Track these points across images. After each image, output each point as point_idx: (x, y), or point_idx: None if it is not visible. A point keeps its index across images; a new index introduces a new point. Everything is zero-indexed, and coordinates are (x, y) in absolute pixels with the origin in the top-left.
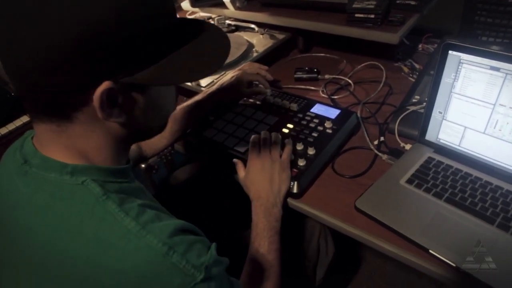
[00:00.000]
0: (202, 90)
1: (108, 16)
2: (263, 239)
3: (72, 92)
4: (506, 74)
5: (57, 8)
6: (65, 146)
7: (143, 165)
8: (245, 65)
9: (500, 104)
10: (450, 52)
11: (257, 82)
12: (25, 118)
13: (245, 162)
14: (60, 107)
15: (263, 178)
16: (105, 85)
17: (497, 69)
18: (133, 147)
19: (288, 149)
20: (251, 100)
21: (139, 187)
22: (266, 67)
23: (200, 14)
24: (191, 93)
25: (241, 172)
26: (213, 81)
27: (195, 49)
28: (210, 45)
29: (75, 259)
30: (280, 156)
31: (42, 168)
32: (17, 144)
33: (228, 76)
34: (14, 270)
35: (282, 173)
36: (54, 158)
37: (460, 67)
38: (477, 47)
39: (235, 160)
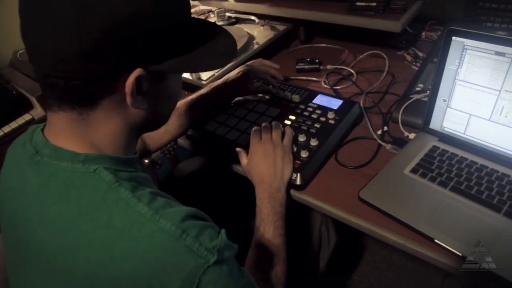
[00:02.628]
0: (203, 84)
1: (144, 6)
2: (268, 224)
3: (105, 79)
4: None
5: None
6: (76, 135)
7: (146, 160)
8: (254, 61)
9: (505, 90)
10: (453, 38)
11: (259, 83)
12: (27, 116)
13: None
14: (89, 94)
15: (265, 163)
16: (137, 72)
17: (502, 54)
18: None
19: (289, 134)
20: (259, 95)
21: (147, 176)
22: (277, 66)
23: (200, 7)
24: (192, 87)
25: (243, 159)
26: (213, 74)
27: (212, 43)
28: (223, 41)
29: (89, 245)
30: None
31: (54, 157)
32: (25, 137)
33: (234, 71)
34: (29, 260)
35: (284, 157)
36: (66, 148)
37: (464, 53)
38: (481, 32)
39: (237, 148)
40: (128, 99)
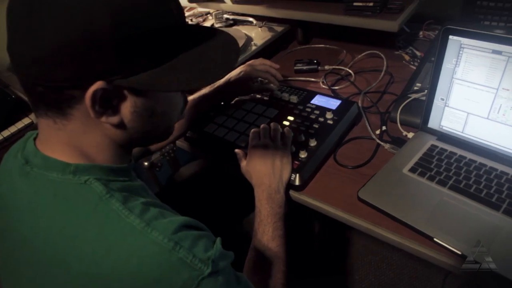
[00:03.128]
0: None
1: (102, 21)
2: (267, 225)
3: (64, 88)
4: (509, 57)
5: (54, 10)
6: (65, 144)
7: (146, 163)
8: (255, 61)
9: (503, 88)
10: (450, 37)
11: (260, 81)
12: (26, 120)
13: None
14: (55, 102)
15: (264, 165)
16: (97, 84)
17: (499, 52)
18: None
19: (287, 135)
20: (258, 96)
21: (141, 185)
22: (277, 66)
23: (198, 9)
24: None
25: (242, 161)
26: None
27: (196, 57)
28: (216, 51)
29: (80, 258)
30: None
31: (44, 168)
32: (19, 145)
33: (236, 70)
34: (19, 273)
35: (283, 158)
36: (56, 158)
37: (461, 52)
38: (478, 31)
39: (236, 150)
40: (90, 112)
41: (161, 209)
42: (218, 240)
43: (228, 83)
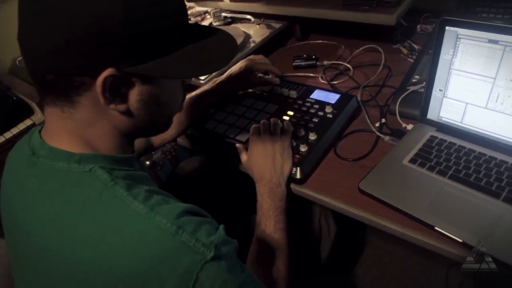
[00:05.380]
0: (200, 83)
1: (114, 12)
2: (269, 218)
3: (77, 75)
4: (505, 46)
5: (68, 2)
6: (70, 134)
7: (147, 162)
8: (255, 56)
9: (500, 78)
10: (447, 28)
11: (261, 75)
12: (28, 122)
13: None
14: (64, 89)
15: (265, 159)
16: (108, 71)
17: (495, 41)
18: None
19: (287, 130)
20: (250, 90)
21: (145, 175)
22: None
23: (197, 8)
24: (190, 86)
25: (243, 156)
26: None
27: (201, 47)
28: (216, 46)
29: (85, 244)
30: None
31: (50, 158)
32: (25, 138)
33: (237, 65)
34: (28, 261)
35: (284, 152)
36: (61, 148)
37: (458, 42)
38: (474, 21)
39: (237, 144)
40: (100, 99)
41: (165, 196)
42: (221, 226)
43: (230, 77)
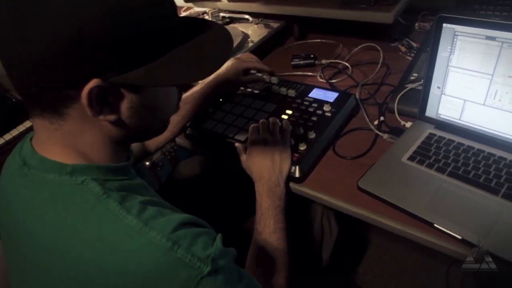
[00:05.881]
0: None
1: (96, 21)
2: (268, 218)
3: (59, 88)
4: (502, 42)
5: (46, 10)
6: (61, 144)
7: (147, 163)
8: (242, 54)
9: (498, 74)
10: (444, 25)
11: (254, 71)
12: (27, 124)
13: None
14: (50, 102)
15: (264, 159)
16: (92, 82)
17: (492, 38)
18: (136, 143)
19: (286, 129)
20: (249, 90)
21: (141, 183)
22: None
23: (195, 9)
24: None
25: (242, 155)
26: None
27: (190, 51)
28: (207, 47)
29: (78, 260)
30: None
31: (41, 169)
32: (18, 146)
33: (224, 66)
34: (24, 271)
35: (283, 152)
36: (53, 159)
37: (455, 39)
38: (471, 18)
39: (236, 144)
40: (87, 110)
41: (160, 207)
42: (219, 237)
43: (218, 78)
